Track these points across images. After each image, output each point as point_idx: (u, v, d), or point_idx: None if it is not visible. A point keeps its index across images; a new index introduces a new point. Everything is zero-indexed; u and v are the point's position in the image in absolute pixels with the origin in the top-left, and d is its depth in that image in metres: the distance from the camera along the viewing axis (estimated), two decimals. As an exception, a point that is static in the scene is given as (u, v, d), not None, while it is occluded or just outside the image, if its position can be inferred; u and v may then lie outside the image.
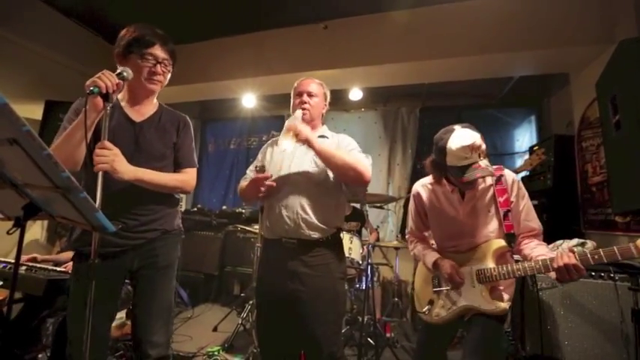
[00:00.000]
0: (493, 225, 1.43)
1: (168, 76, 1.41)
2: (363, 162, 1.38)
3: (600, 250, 1.15)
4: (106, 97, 1.09)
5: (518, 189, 1.42)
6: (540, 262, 1.25)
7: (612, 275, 1.80)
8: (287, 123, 1.38)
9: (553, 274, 1.23)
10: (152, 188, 1.29)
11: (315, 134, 1.40)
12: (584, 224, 2.76)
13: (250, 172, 1.60)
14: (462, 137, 1.31)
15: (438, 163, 1.43)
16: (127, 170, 1.18)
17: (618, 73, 1.74)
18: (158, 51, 1.32)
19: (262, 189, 1.38)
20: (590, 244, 2.05)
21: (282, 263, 1.40)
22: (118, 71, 1.16)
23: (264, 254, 1.55)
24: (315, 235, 1.38)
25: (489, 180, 1.44)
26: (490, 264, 1.38)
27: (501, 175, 1.43)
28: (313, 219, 1.37)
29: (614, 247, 1.13)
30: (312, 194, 1.39)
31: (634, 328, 1.63)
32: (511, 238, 1.40)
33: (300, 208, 1.37)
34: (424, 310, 1.52)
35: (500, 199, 1.41)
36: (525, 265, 1.30)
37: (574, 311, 1.85)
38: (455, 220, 1.48)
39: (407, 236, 1.73)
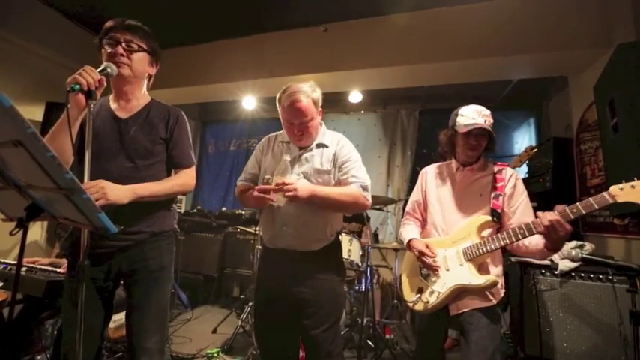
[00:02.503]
0: (483, 208, 1.45)
1: (141, 58, 1.32)
2: (360, 196, 1.36)
3: (577, 203, 1.17)
4: (88, 93, 1.04)
5: (515, 183, 1.47)
6: (524, 226, 1.26)
7: (610, 277, 1.81)
8: (276, 177, 1.31)
9: (541, 241, 1.25)
10: (155, 200, 1.27)
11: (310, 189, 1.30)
12: (583, 226, 2.76)
13: (245, 175, 1.56)
14: (474, 105, 1.54)
15: (450, 129, 1.56)
16: (123, 195, 1.15)
17: (615, 77, 1.75)
18: (117, 33, 1.28)
19: (273, 200, 1.31)
20: (588, 246, 2.05)
21: (283, 266, 1.41)
22: (102, 67, 1.13)
23: (264, 257, 1.56)
24: (317, 247, 1.41)
25: (491, 169, 1.53)
26: (476, 239, 1.39)
27: (503, 169, 1.52)
28: (315, 234, 1.40)
29: (590, 199, 1.15)
30: (311, 208, 1.35)
31: (632, 330, 1.64)
32: (496, 214, 1.41)
33: (301, 225, 1.38)
34: (413, 299, 1.50)
35: (496, 185, 1.48)
36: (510, 231, 1.30)
37: (573, 313, 1.86)
38: (451, 195, 1.54)
39: (403, 219, 1.74)
